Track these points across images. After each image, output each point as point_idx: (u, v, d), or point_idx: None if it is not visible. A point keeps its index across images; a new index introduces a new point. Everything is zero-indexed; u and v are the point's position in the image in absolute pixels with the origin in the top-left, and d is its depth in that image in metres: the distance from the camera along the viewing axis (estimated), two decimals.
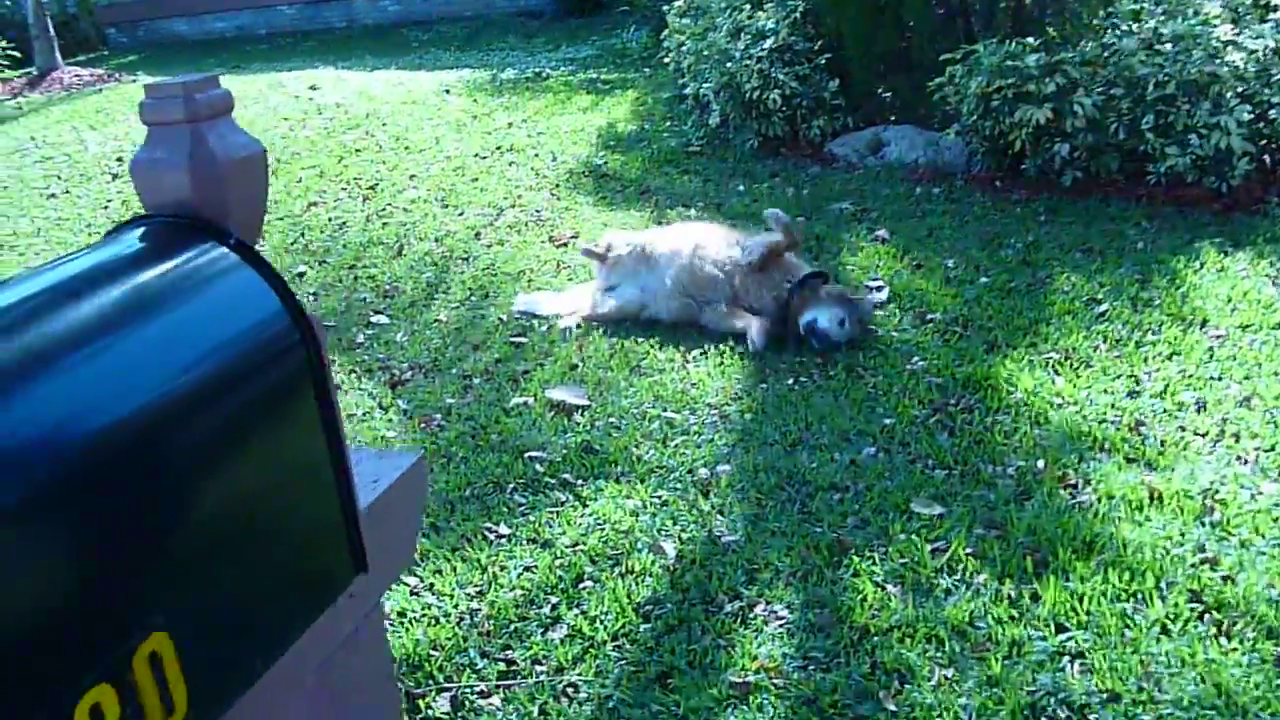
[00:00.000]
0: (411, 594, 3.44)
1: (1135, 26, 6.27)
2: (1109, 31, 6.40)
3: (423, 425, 4.49)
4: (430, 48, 14.37)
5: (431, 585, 3.46)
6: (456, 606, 3.35)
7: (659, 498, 3.77)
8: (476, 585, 3.44)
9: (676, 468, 3.94)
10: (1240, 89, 5.96)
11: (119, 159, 8.80)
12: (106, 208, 7.83)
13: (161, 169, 1.23)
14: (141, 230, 1.22)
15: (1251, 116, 5.85)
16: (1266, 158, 6.08)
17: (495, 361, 4.99)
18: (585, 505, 3.78)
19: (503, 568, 3.50)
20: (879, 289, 5.16)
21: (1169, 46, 5.98)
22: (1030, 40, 6.34)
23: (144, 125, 1.25)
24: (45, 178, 8.69)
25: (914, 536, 3.36)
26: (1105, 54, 6.22)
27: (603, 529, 3.63)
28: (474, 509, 3.84)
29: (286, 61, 13.89)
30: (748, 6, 7.76)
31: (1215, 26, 6.02)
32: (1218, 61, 5.87)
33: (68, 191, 8.30)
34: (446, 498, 3.93)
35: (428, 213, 7.03)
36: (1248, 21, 6.33)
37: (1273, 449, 3.69)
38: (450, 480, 4.04)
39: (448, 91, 10.07)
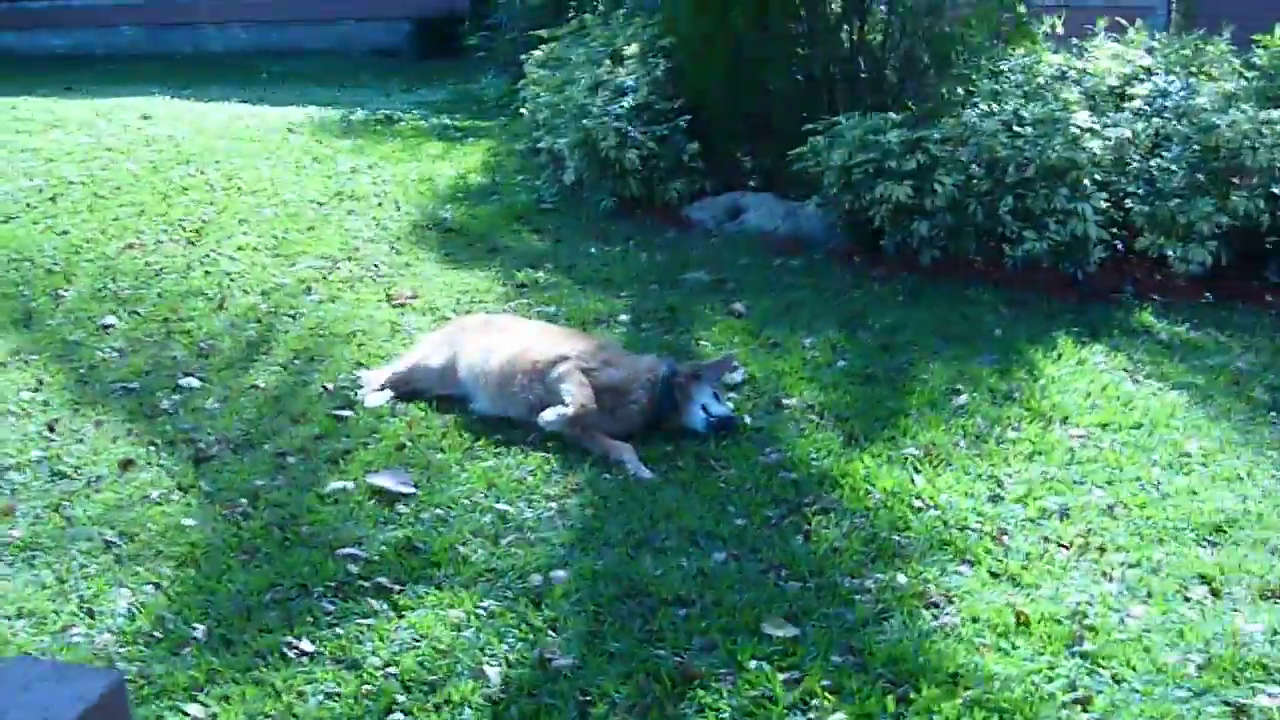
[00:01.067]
0: None
1: (995, 107, 6.20)
2: (967, 110, 6.32)
3: (225, 512, 3.98)
4: (280, 81, 13.70)
5: (215, 716, 2.98)
6: None
7: (485, 608, 3.36)
8: (269, 716, 2.97)
9: (507, 572, 3.54)
10: (1098, 176, 5.93)
11: None
12: None
13: None
14: None
15: (1107, 204, 5.81)
16: (1120, 245, 6.06)
17: (315, 438, 4.51)
18: (402, 616, 3.34)
19: (300, 694, 3.04)
20: (734, 369, 4.87)
21: (1029, 130, 5.91)
22: (893, 115, 6.21)
23: None
24: None
25: (765, 664, 3.03)
26: (965, 133, 6.13)
27: (420, 647, 3.20)
28: (275, 618, 3.37)
29: (123, 86, 13.00)
30: (608, 61, 7.49)
31: (1074, 112, 5.99)
32: (1078, 147, 5.82)
33: None
34: (244, 603, 3.45)
35: (256, 262, 6.50)
36: (1102, 109, 6.34)
37: (1138, 564, 3.51)
38: (250, 581, 3.55)
39: (291, 130, 9.51)
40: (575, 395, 4.32)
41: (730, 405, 4.50)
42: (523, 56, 8.71)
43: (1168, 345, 5.19)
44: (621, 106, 7.07)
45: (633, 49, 7.50)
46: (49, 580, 3.63)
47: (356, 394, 4.84)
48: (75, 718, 1.12)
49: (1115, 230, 5.97)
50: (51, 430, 4.65)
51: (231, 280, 6.24)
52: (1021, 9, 7.28)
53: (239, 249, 6.70)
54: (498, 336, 4.76)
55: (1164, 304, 5.68)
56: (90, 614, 3.45)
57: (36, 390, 5.03)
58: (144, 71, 14.47)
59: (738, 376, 4.86)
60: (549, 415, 4.31)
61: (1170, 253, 5.80)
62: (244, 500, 4.06)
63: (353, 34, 16.70)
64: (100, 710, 1.16)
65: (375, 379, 4.90)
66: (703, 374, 4.47)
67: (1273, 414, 4.51)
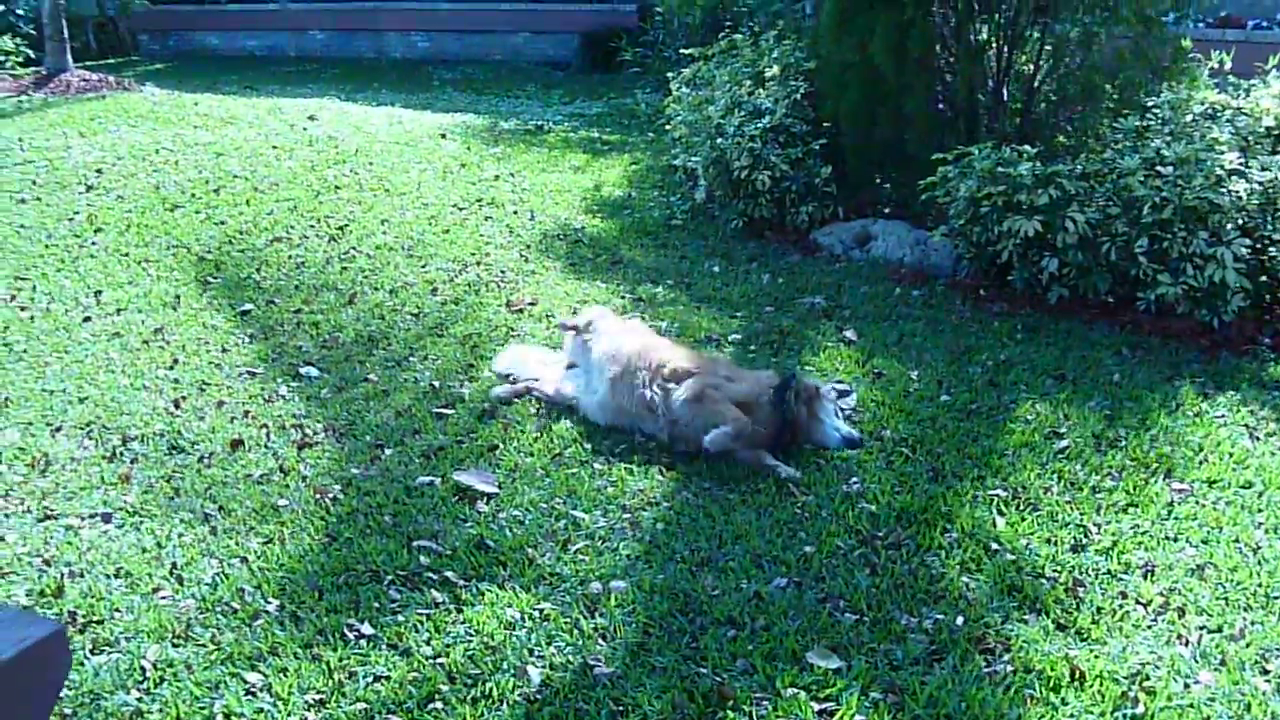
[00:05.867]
0: (248, 694, 3.12)
1: (1139, 144, 5.97)
2: (1109, 147, 6.11)
3: (317, 496, 4.17)
4: (448, 88, 14.23)
5: (270, 686, 3.13)
6: (289, 716, 3.02)
7: (541, 610, 3.43)
8: (319, 692, 3.11)
9: (569, 577, 3.61)
10: (1241, 221, 5.65)
11: (98, 170, 8.60)
12: (72, 219, 7.61)
13: None
14: None
15: (1250, 251, 5.53)
16: (1267, 295, 5.76)
17: (413, 432, 4.68)
18: (461, 610, 3.45)
19: (352, 674, 3.17)
20: (846, 394, 4.80)
21: (1170, 169, 5.68)
22: (1027, 148, 6.05)
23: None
24: (21, 182, 8.48)
25: (801, 693, 3.01)
26: (1104, 170, 5.92)
27: (471, 641, 3.29)
28: (343, 600, 3.52)
29: (301, 87, 13.76)
30: (749, 83, 7.51)
31: (1221, 153, 5.72)
32: (1221, 190, 5.56)
33: (39, 198, 8.08)
34: (318, 583, 3.61)
35: (390, 261, 6.77)
36: (1257, 150, 6.04)
37: (1218, 629, 3.34)
38: (328, 563, 3.72)
39: (444, 136, 9.85)
40: (726, 413, 4.35)
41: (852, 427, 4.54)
42: (669, 74, 8.81)
43: None
44: (757, 127, 7.08)
45: (774, 71, 7.51)
46: (149, 545, 3.87)
47: (458, 389, 5.00)
48: (12, 655, 1.24)
49: (1261, 279, 5.69)
50: (177, 406, 4.96)
51: (365, 277, 6.51)
52: (1186, 43, 6.98)
53: (376, 248, 6.98)
54: (632, 336, 4.89)
55: None
56: (180, 580, 3.67)
57: (171, 368, 5.36)
58: (325, 74, 15.23)
59: (850, 400, 4.78)
60: (712, 437, 4.30)
61: None
62: (337, 487, 4.25)
63: (526, 46, 17.21)
64: (36, 652, 1.28)
65: (516, 360, 5.19)
66: (822, 391, 4.47)
67: None
